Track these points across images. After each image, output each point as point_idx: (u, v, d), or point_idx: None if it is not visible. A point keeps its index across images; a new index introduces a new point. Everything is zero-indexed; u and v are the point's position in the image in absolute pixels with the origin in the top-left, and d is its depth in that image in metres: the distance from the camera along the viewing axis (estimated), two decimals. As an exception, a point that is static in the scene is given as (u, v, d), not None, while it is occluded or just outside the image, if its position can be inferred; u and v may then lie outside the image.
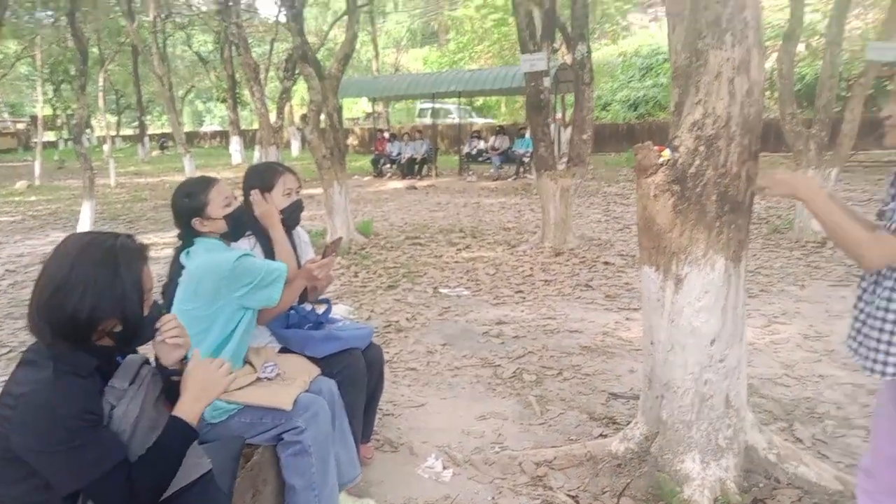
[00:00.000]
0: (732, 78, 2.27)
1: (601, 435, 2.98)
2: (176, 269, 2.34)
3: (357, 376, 2.58)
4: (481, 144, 17.40)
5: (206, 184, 2.35)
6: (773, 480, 2.45)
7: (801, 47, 17.37)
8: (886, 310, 1.62)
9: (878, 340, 1.63)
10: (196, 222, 2.30)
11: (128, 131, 41.04)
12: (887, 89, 19.40)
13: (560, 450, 2.77)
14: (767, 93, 18.89)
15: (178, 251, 2.38)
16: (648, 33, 28.58)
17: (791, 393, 3.43)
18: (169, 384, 1.66)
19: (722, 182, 2.31)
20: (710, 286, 2.37)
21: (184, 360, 1.67)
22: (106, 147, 22.42)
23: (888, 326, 1.61)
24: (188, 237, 2.34)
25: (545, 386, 3.62)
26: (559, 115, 17.76)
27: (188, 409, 1.56)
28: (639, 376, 2.99)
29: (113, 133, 31.11)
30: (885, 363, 1.61)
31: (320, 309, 2.80)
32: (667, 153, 2.38)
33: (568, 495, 2.48)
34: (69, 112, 23.83)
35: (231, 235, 2.38)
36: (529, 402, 3.41)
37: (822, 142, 7.26)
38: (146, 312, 1.57)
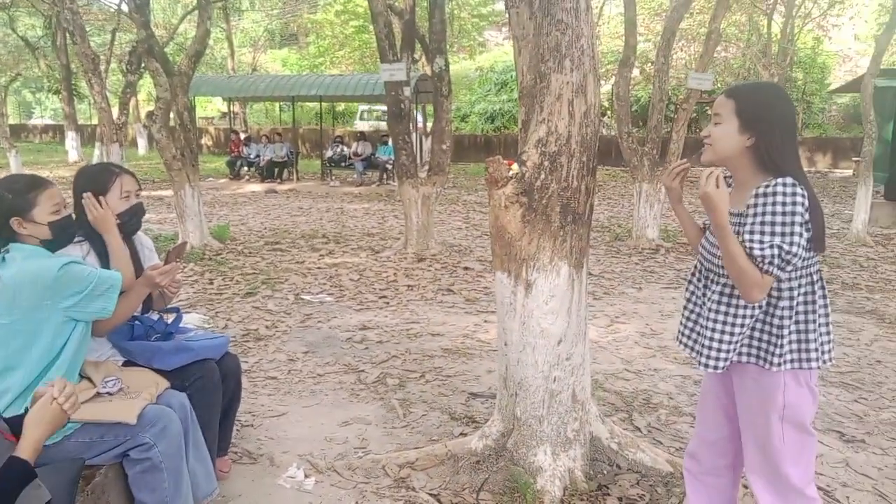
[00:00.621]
0: (572, 99, 2.47)
1: (461, 434, 3.09)
2: None
3: (211, 388, 2.49)
4: (344, 150, 17.26)
5: (36, 184, 2.15)
6: (615, 467, 2.68)
7: (636, 72, 19.08)
8: (717, 311, 1.82)
9: (711, 339, 1.82)
10: (15, 222, 2.10)
11: (-64, 122, 35.94)
12: (707, 113, 21.82)
13: (422, 451, 2.84)
14: (607, 112, 20.53)
15: None
16: (503, 50, 29.93)
17: (630, 386, 3.77)
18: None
19: (564, 195, 2.50)
20: (556, 290, 2.56)
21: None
22: None
23: (718, 326, 1.81)
24: (3, 240, 2.13)
25: (408, 389, 3.69)
26: (420, 125, 18.09)
27: (31, 449, 1.48)
28: (496, 376, 3.14)
29: (-84, 123, 27.10)
30: (717, 359, 1.81)
31: (169, 318, 2.66)
32: (515, 167, 2.54)
33: (430, 494, 2.56)
34: None
35: (53, 245, 2.19)
36: (392, 405, 3.46)
37: (654, 158, 8.05)
38: None
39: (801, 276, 1.74)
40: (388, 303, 5.51)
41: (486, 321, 4.99)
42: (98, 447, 2.10)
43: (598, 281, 6.27)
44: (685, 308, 1.98)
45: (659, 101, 8.14)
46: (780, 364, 1.74)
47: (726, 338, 1.79)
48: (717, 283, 1.83)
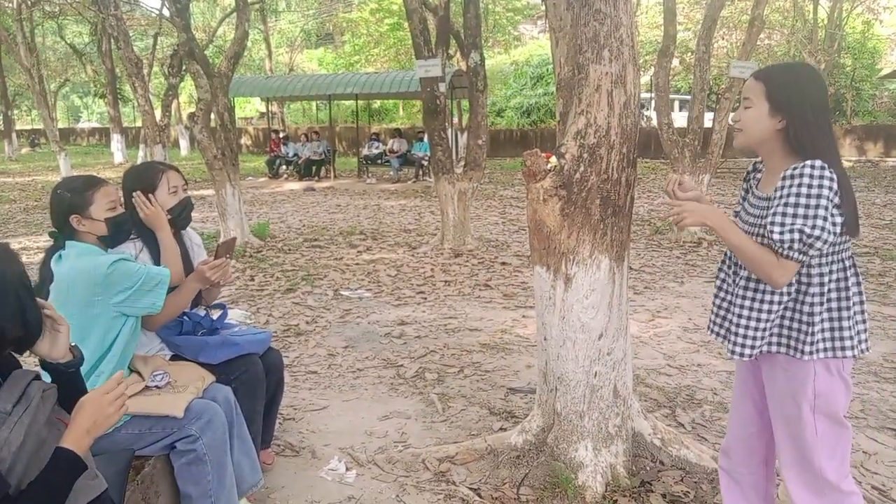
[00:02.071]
0: (611, 90, 2.43)
1: (501, 429, 3.08)
2: (47, 271, 2.21)
3: (255, 382, 2.53)
4: (380, 147, 17.38)
5: (93, 183, 2.25)
6: (658, 463, 2.64)
7: (675, 63, 18.70)
8: (744, 297, 1.78)
9: (738, 325, 1.79)
10: (74, 220, 2.19)
11: (-9, 127, 37.45)
12: (751, 102, 21.27)
13: (462, 445, 2.84)
14: (647, 104, 20.16)
15: (50, 253, 2.25)
16: (539, 44, 29.67)
17: (673, 381, 3.70)
18: (62, 385, 1.56)
19: (604, 187, 2.46)
20: (597, 284, 2.52)
21: (73, 348, 1.58)
22: (-35, 144, 20.38)
23: (745, 312, 1.77)
24: (61, 237, 2.22)
25: (447, 384, 3.70)
26: (456, 120, 18.08)
27: (77, 441, 1.45)
28: (535, 371, 3.12)
29: (-27, 128, 28.29)
30: (743, 346, 1.78)
31: (215, 314, 2.72)
32: (553, 160, 2.51)
33: (470, 489, 2.56)
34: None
35: (111, 241, 2.28)
36: (431, 400, 3.47)
37: (695, 150, 7.87)
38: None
39: (832, 262, 1.69)
40: (425, 298, 5.53)
41: (524, 316, 4.96)
42: (146, 438, 2.16)
43: (639, 275, 6.17)
44: (716, 296, 1.94)
45: (700, 91, 7.96)
46: (811, 353, 1.69)
47: (753, 324, 1.75)
48: (745, 269, 1.79)
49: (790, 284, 1.72)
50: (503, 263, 6.78)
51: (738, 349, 1.79)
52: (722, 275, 1.91)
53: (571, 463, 2.56)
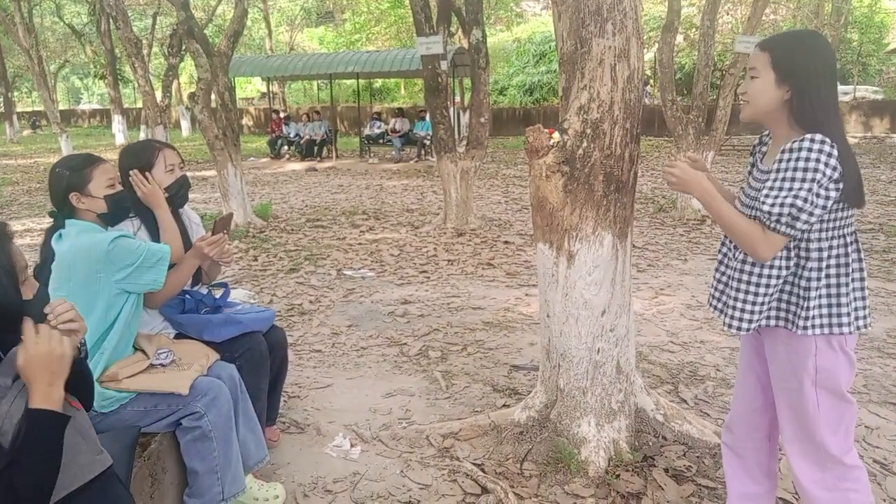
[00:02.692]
0: (614, 65, 2.40)
1: (504, 405, 3.10)
2: (48, 251, 2.22)
3: (259, 359, 2.54)
4: (382, 126, 17.28)
5: (91, 161, 2.24)
6: (660, 438, 2.65)
7: (679, 39, 18.50)
8: (742, 271, 1.78)
9: (736, 299, 1.79)
10: (74, 197, 2.19)
11: (-8, 109, 37.33)
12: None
13: (465, 421, 2.86)
14: (650, 81, 20.01)
15: (50, 232, 2.25)
16: (541, 20, 29.34)
17: (676, 358, 3.71)
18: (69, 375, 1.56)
19: (607, 163, 2.44)
20: (600, 261, 2.52)
21: (81, 346, 1.58)
22: (-34, 126, 20.35)
23: (743, 286, 1.77)
24: (61, 216, 2.23)
25: (450, 361, 3.71)
26: (458, 99, 17.96)
27: (45, 398, 1.39)
28: (538, 348, 3.13)
29: (-27, 111, 28.20)
30: (741, 320, 1.78)
31: (217, 293, 2.72)
32: (556, 136, 2.49)
33: (474, 464, 2.58)
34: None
35: (110, 219, 2.28)
36: (435, 377, 3.49)
37: (700, 127, 7.80)
38: (30, 295, 1.47)
39: (832, 238, 1.68)
40: (428, 277, 5.53)
41: (527, 294, 4.97)
42: (152, 416, 2.18)
43: (643, 253, 6.16)
44: (716, 270, 1.94)
45: (704, 67, 7.87)
46: (806, 328, 1.69)
47: (750, 298, 1.75)
48: None
49: (789, 258, 1.71)
50: (506, 242, 6.77)
51: (736, 322, 1.79)
52: (724, 249, 1.90)
53: (574, 438, 2.57)
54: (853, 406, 1.77)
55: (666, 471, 2.47)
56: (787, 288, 1.74)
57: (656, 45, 9.13)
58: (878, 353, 3.68)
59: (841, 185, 1.60)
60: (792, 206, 1.59)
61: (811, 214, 1.60)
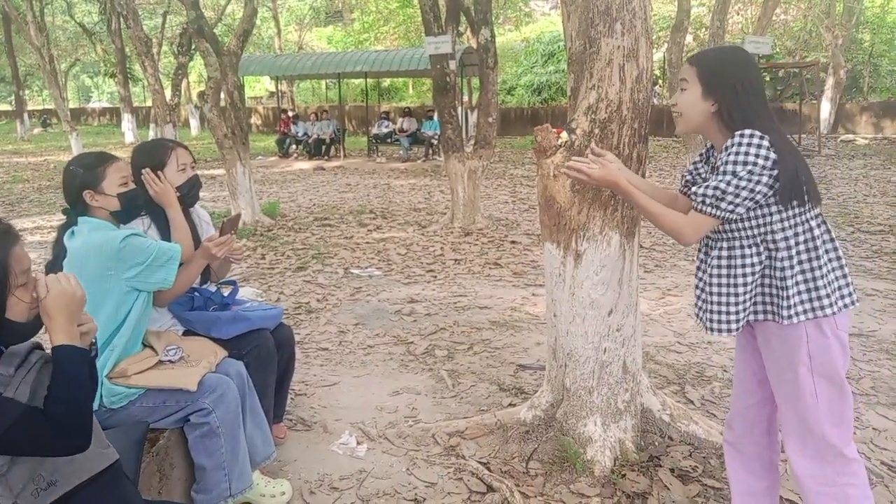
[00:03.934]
0: (623, 65, 2.40)
1: (510, 404, 3.10)
2: (60, 247, 2.24)
3: (266, 357, 2.56)
4: (390, 126, 17.31)
5: (105, 159, 2.26)
6: (666, 438, 2.65)
7: (689, 39, 18.42)
8: (719, 275, 1.81)
9: (718, 303, 1.81)
10: (87, 195, 2.21)
11: (3, 106, 37.70)
12: (765, 79, 20.95)
13: (471, 420, 2.87)
14: (659, 81, 19.94)
15: (63, 229, 2.27)
16: (550, 20, 29.29)
17: (682, 358, 3.70)
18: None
19: (615, 163, 2.44)
20: (607, 261, 2.52)
21: (92, 345, 1.59)
22: (-23, 124, 20.51)
23: (724, 290, 1.80)
24: (74, 214, 2.24)
25: (457, 360, 3.72)
26: (466, 99, 17.96)
27: (65, 333, 1.45)
28: (544, 348, 3.13)
29: (-15, 109, 28.46)
30: (727, 322, 1.80)
31: (226, 291, 2.74)
32: (564, 135, 2.49)
33: (479, 462, 2.58)
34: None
35: (123, 216, 2.29)
36: (441, 376, 3.50)
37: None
38: (27, 299, 1.47)
39: (796, 225, 1.72)
40: (435, 276, 5.54)
41: (533, 294, 4.97)
42: (160, 412, 2.20)
43: (650, 254, 6.15)
44: (696, 277, 1.96)
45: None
46: (791, 316, 1.72)
47: (732, 300, 1.79)
48: (715, 248, 1.83)
49: (759, 253, 1.75)
50: (513, 242, 6.77)
51: (723, 326, 1.81)
52: (701, 255, 1.93)
53: (580, 438, 2.57)
54: (850, 394, 1.77)
55: (672, 471, 2.47)
56: (766, 281, 1.77)
57: (665, 44, 9.10)
58: (887, 354, 3.66)
59: (775, 173, 1.66)
60: (716, 188, 1.69)
61: (736, 196, 1.67)
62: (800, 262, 1.72)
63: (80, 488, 1.52)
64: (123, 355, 2.23)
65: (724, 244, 1.80)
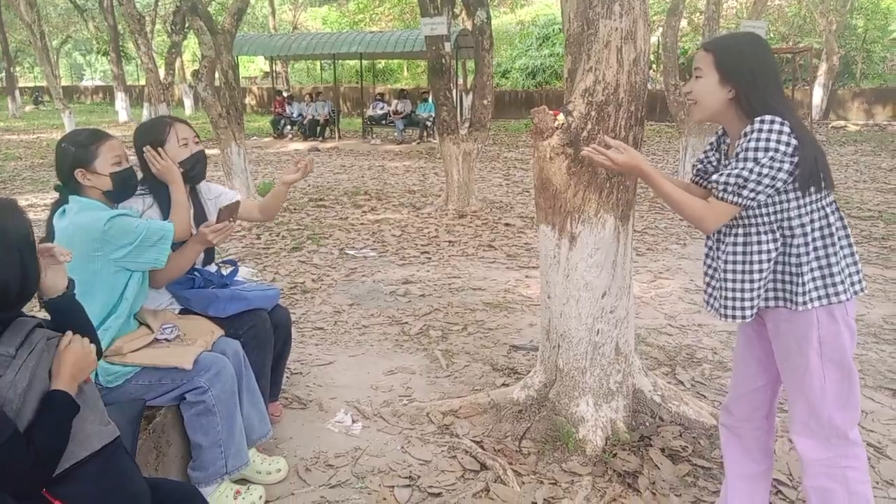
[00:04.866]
0: (620, 47, 2.40)
1: (503, 384, 3.14)
2: (51, 226, 2.22)
3: (263, 336, 2.57)
4: (384, 108, 17.22)
5: (98, 137, 2.23)
6: (657, 419, 2.69)
7: (684, 23, 18.34)
8: (734, 262, 1.81)
9: (733, 290, 1.81)
10: (79, 173, 2.18)
11: (-7, 84, 37.15)
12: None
13: (465, 399, 2.90)
14: (653, 65, 19.87)
15: (55, 207, 2.25)
16: (545, 3, 29.04)
17: (673, 340, 3.75)
18: (63, 318, 1.64)
19: (612, 146, 2.45)
20: (602, 243, 2.54)
21: (69, 287, 1.65)
22: (-33, 101, 20.27)
23: (738, 276, 1.80)
24: (66, 192, 2.22)
25: (451, 341, 3.75)
26: (461, 81, 17.86)
27: (67, 385, 1.52)
28: (537, 329, 3.16)
29: (-25, 86, 28.12)
30: (742, 308, 1.80)
31: (226, 270, 2.75)
32: (561, 117, 2.49)
33: (473, 441, 2.62)
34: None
35: (116, 196, 2.27)
36: (436, 356, 3.53)
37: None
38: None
39: (812, 212, 1.72)
40: (429, 258, 5.56)
41: (527, 276, 4.99)
42: (156, 389, 2.21)
43: (642, 237, 6.18)
44: (705, 265, 1.96)
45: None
46: (805, 302, 1.73)
47: (747, 286, 1.78)
48: (730, 235, 1.82)
49: (776, 239, 1.75)
50: (507, 224, 6.79)
51: (737, 312, 1.81)
52: (709, 243, 1.93)
53: (572, 417, 2.61)
54: (857, 379, 1.79)
55: (662, 451, 2.51)
56: (780, 268, 1.77)
57: (660, 28, 9.07)
58: (874, 338, 3.71)
59: (796, 160, 1.66)
60: (738, 175, 1.68)
61: (758, 184, 1.67)
62: (815, 249, 1.73)
63: (82, 464, 1.54)
64: (118, 335, 2.23)
65: (740, 230, 1.79)
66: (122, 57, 23.60)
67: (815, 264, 1.73)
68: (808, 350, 1.76)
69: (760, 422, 2.03)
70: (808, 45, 18.63)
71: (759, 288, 1.78)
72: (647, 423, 2.68)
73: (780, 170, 1.65)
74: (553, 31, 23.87)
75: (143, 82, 22.61)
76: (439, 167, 10.16)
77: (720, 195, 1.72)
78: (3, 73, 24.57)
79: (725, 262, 1.83)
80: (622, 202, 2.54)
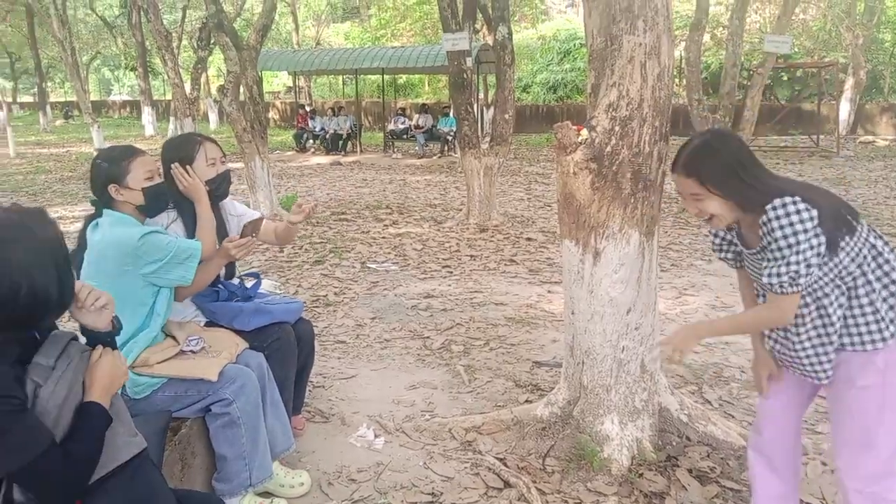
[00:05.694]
0: (644, 62, 2.39)
1: (526, 401, 3.11)
2: (84, 238, 2.27)
3: (287, 349, 2.58)
4: (406, 122, 17.33)
5: (130, 153, 2.27)
6: (684, 438, 2.64)
7: (706, 38, 18.27)
8: (815, 328, 1.77)
9: (816, 354, 1.78)
10: (112, 189, 2.22)
11: (26, 98, 38.18)
12: (783, 79, 20.74)
13: (488, 416, 2.88)
14: (676, 80, 19.79)
15: (88, 220, 2.30)
16: (566, 18, 29.18)
17: (700, 359, 3.69)
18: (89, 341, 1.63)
19: (636, 161, 2.44)
20: (626, 259, 2.52)
21: (115, 320, 1.64)
22: (1, 114, 20.82)
23: (818, 340, 1.77)
24: (100, 206, 2.27)
25: (473, 356, 3.73)
26: (482, 95, 17.95)
27: (100, 398, 1.54)
28: (561, 345, 3.13)
29: (9, 100, 28.88)
30: (825, 370, 1.79)
31: (249, 283, 2.77)
32: (585, 133, 2.49)
33: (496, 458, 2.60)
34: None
35: (148, 210, 2.31)
36: (458, 371, 3.51)
37: (726, 127, 7.72)
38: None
39: (860, 249, 1.71)
40: (451, 272, 5.56)
41: (549, 291, 4.96)
42: (182, 401, 2.23)
43: (666, 252, 6.12)
44: (770, 339, 1.91)
45: (732, 67, 7.79)
46: (874, 341, 1.72)
47: (829, 348, 1.77)
48: (802, 307, 1.78)
49: (843, 293, 1.74)
50: (528, 239, 6.77)
51: (818, 375, 1.80)
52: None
53: (597, 436, 2.58)
54: None
55: (690, 471, 2.46)
56: (848, 313, 1.76)
57: (683, 43, 9.04)
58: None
59: (821, 226, 1.66)
60: (787, 267, 1.68)
61: (808, 266, 1.67)
62: (878, 279, 1.73)
63: (111, 475, 1.55)
64: (145, 346, 2.26)
65: (808, 299, 1.77)
66: (149, 72, 24.11)
67: (879, 305, 1.72)
68: (872, 389, 1.74)
69: (793, 441, 1.99)
70: (834, 60, 18.44)
71: (834, 343, 1.77)
72: (674, 443, 2.63)
73: (818, 243, 1.65)
74: (574, 45, 23.92)
75: (169, 97, 23.04)
76: (460, 181, 10.18)
77: (780, 292, 1.71)
78: (36, 89, 25.20)
79: (799, 333, 1.80)
80: (647, 217, 2.52)
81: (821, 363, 1.78)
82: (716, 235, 2.01)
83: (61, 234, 1.51)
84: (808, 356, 1.80)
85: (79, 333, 1.65)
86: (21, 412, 1.37)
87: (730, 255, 2.00)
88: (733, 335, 1.83)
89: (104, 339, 1.64)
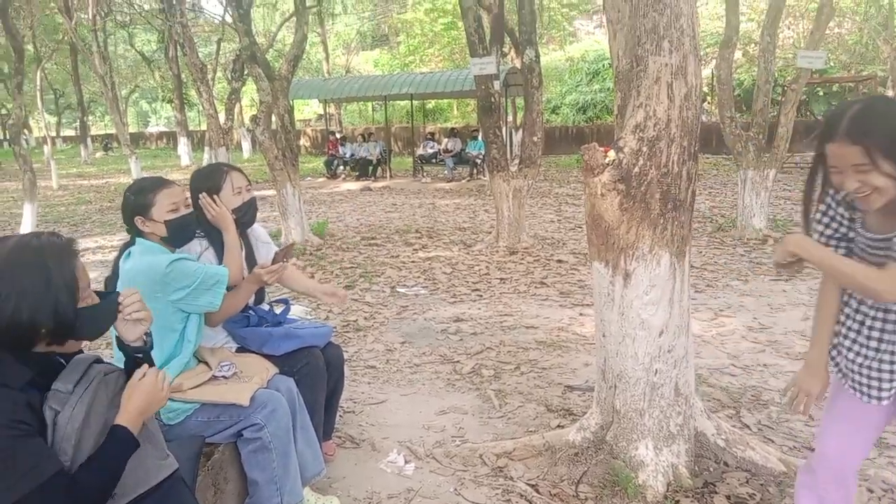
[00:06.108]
0: (671, 82, 2.38)
1: (558, 426, 3.06)
2: (118, 265, 2.34)
3: (317, 374, 2.59)
4: (435, 146, 17.47)
5: (157, 185, 2.33)
6: (722, 464, 2.57)
7: (738, 54, 18.11)
8: (879, 343, 1.67)
9: (880, 371, 1.68)
10: (139, 220, 2.29)
11: (69, 132, 39.66)
12: (819, 94, 20.39)
13: (519, 441, 2.84)
14: (707, 98, 19.61)
15: (123, 248, 2.37)
16: (594, 39, 29.22)
17: (737, 381, 3.59)
18: (131, 365, 1.64)
19: (664, 181, 2.41)
20: (657, 280, 2.48)
21: (147, 336, 1.66)
22: (46, 148, 21.63)
23: (886, 356, 1.67)
24: (133, 235, 2.34)
25: (503, 380, 3.70)
26: (510, 118, 18.02)
27: (131, 421, 1.53)
28: (593, 369, 3.08)
29: (53, 134, 30.01)
30: (883, 389, 1.69)
31: (279, 309, 2.80)
32: (612, 154, 2.48)
33: (528, 484, 2.55)
34: (4, 112, 22.87)
35: (172, 241, 2.36)
36: (488, 396, 3.48)
37: (760, 144, 7.60)
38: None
39: None
40: (481, 295, 5.54)
41: (581, 314, 4.91)
42: (215, 426, 2.25)
43: (701, 273, 6.01)
44: (848, 350, 1.76)
45: (765, 83, 7.67)
46: None
47: None
48: (875, 310, 1.68)
49: None
50: (559, 261, 6.72)
51: (880, 394, 1.70)
52: (873, 313, 1.74)
53: (631, 462, 2.52)
54: None
55: (728, 498, 2.39)
56: None
57: (713, 61, 8.96)
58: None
59: None
60: None
61: None
62: None
63: (142, 498, 1.56)
64: (178, 372, 2.30)
65: None
66: (185, 104, 24.82)
67: None
68: None
69: (851, 480, 1.87)
70: (872, 73, 18.07)
71: None
72: (711, 469, 2.56)
73: None
74: (603, 66, 23.91)
75: (204, 127, 23.70)
76: (489, 204, 10.19)
77: None
78: (78, 123, 26.17)
79: (882, 340, 1.68)
80: (677, 238, 2.48)
81: (891, 379, 1.65)
82: (826, 210, 1.76)
83: (77, 268, 1.50)
84: (879, 366, 1.66)
85: (105, 353, 1.68)
86: (27, 438, 1.37)
87: (836, 235, 1.76)
88: (828, 271, 1.61)
89: (137, 353, 1.67)
